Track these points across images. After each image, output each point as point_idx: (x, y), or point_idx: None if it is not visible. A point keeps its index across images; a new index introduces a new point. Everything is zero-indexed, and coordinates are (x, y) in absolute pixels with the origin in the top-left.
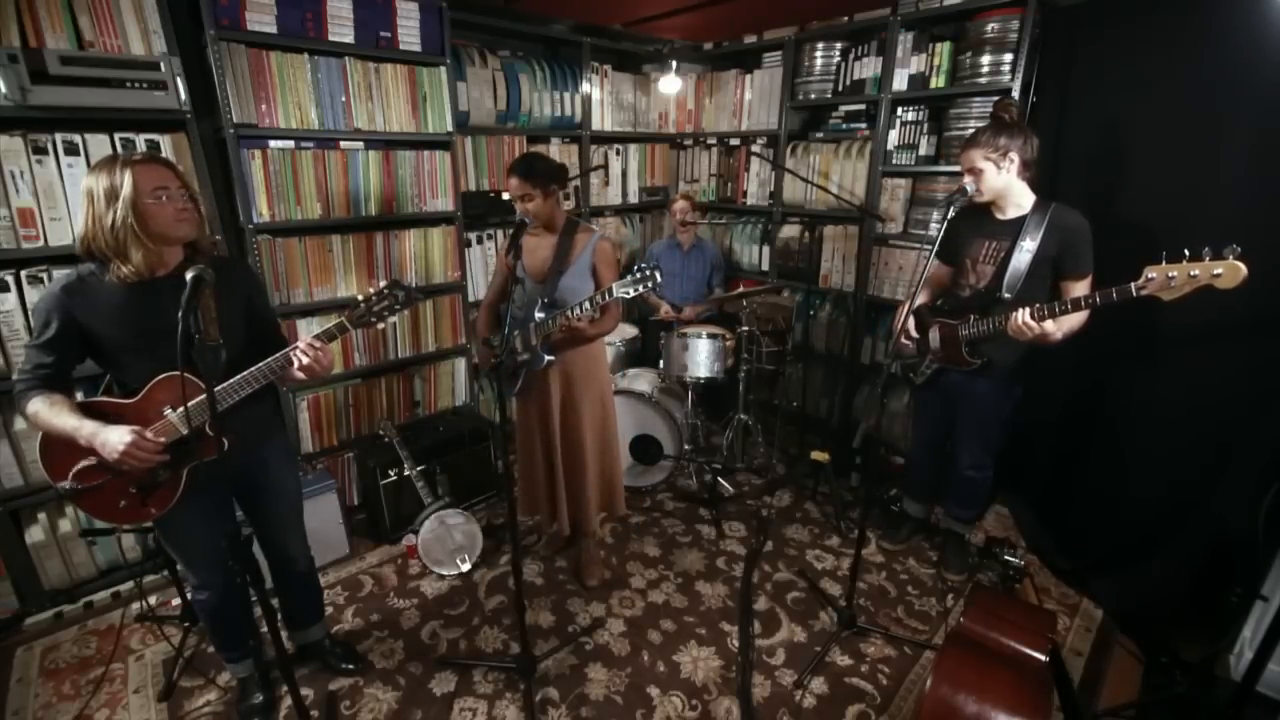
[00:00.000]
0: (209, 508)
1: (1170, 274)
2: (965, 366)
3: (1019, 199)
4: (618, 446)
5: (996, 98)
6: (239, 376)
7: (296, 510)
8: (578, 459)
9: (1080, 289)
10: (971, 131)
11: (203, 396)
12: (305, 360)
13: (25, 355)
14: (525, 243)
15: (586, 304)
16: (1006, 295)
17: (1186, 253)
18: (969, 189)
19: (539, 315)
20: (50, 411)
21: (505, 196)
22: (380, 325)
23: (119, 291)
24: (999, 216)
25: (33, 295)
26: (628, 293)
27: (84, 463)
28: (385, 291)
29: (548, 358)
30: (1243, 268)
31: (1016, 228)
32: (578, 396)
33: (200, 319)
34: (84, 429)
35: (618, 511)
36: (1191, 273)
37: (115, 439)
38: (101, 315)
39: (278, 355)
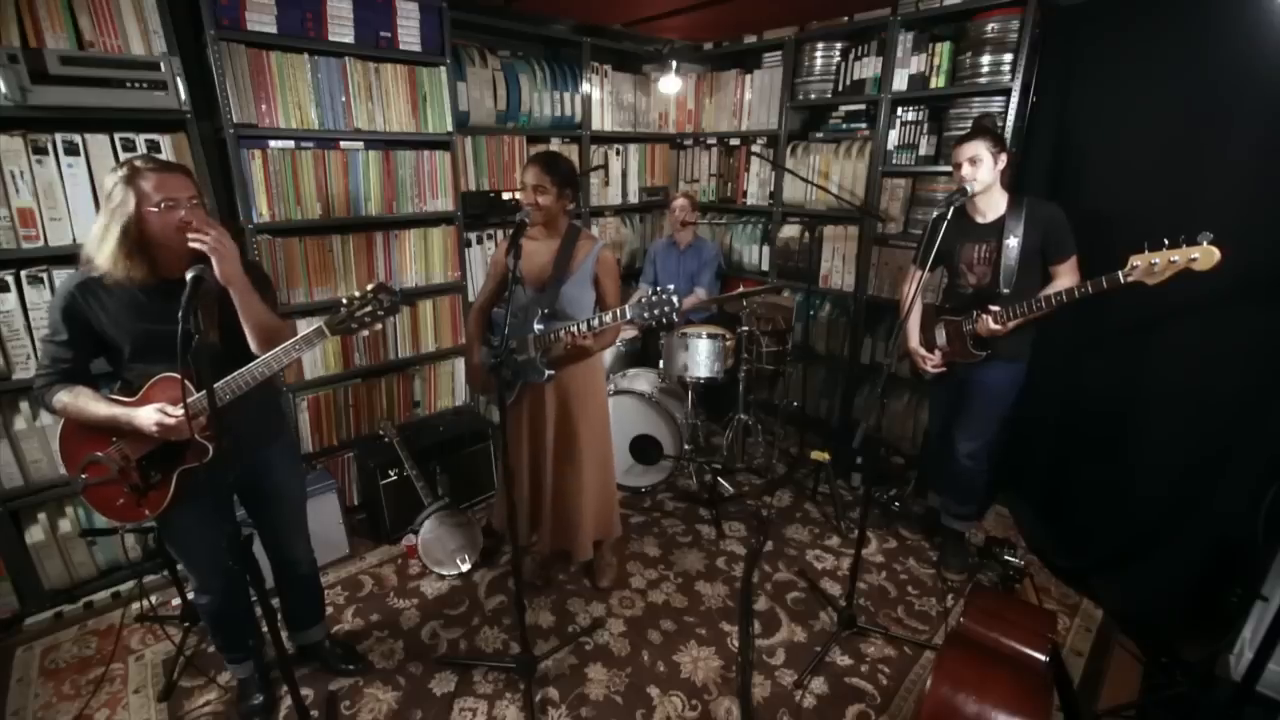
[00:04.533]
0: (210, 510)
1: (1153, 260)
2: (972, 360)
3: (997, 200)
4: (613, 464)
5: (997, 98)
6: (223, 380)
7: (300, 513)
8: (573, 479)
9: (1067, 270)
10: (968, 129)
11: (188, 400)
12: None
13: (42, 350)
14: (525, 246)
15: (595, 320)
16: (1005, 290)
17: (1166, 241)
18: (969, 187)
19: (538, 327)
20: (79, 403)
21: (506, 196)
22: (364, 332)
23: (124, 292)
24: (980, 220)
25: (33, 295)
26: (641, 316)
27: (96, 454)
28: (369, 296)
29: (548, 372)
30: (1216, 251)
31: (999, 228)
32: (576, 413)
33: (200, 320)
34: (118, 413)
35: (614, 534)
36: (1171, 258)
37: (145, 417)
38: (109, 315)
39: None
